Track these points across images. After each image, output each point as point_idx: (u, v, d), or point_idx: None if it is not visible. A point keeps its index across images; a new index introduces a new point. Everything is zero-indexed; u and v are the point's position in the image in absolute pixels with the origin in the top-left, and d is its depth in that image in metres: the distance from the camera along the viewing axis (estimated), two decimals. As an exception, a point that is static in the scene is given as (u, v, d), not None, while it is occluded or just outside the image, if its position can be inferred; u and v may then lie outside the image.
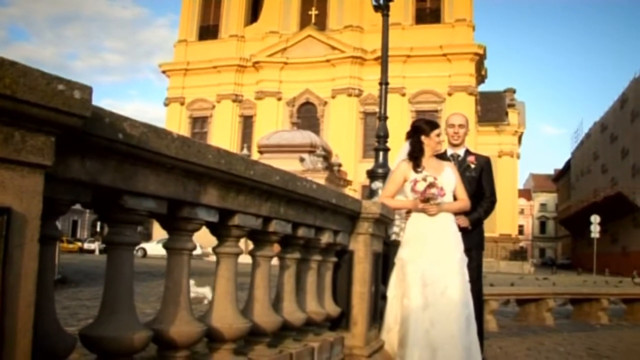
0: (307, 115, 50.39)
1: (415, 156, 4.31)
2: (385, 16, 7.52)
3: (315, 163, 38.50)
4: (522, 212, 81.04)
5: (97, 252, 40.48)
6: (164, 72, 54.75)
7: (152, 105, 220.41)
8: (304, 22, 51.32)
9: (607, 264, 40.66)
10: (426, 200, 4.12)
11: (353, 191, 39.17)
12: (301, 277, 3.36)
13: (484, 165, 4.85)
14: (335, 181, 39.21)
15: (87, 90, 1.51)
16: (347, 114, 47.97)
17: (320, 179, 36.43)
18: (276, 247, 3.04)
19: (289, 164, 36.54)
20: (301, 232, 3.02)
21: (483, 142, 54.66)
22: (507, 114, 60.54)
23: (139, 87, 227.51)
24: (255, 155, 40.88)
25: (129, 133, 1.77)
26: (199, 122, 53.43)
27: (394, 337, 4.21)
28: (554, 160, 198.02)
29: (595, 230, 36.47)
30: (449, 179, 4.32)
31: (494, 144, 57.76)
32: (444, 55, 46.59)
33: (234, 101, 51.94)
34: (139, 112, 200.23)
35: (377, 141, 7.31)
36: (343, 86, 48.34)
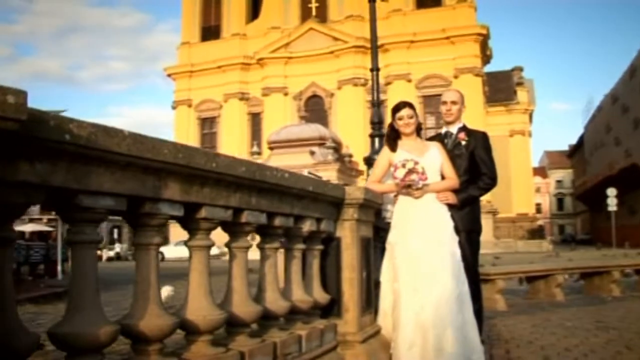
0: (314, 108, 50.43)
1: (387, 138, 4.37)
2: (372, 2, 7.52)
3: (326, 155, 38.50)
4: (538, 190, 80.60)
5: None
6: (169, 75, 55.05)
7: (161, 109, 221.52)
8: (305, 15, 51.30)
9: (627, 237, 40.34)
10: (407, 186, 4.14)
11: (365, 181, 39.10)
12: (285, 266, 3.40)
13: (479, 141, 4.74)
14: (346, 172, 39.23)
15: (22, 95, 1.55)
16: (354, 104, 47.94)
17: (332, 171, 36.47)
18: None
19: (299, 158, 36.64)
20: (278, 221, 3.04)
21: (493, 122, 54.40)
22: (516, 92, 60.21)
23: (146, 92, 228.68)
24: (265, 152, 41.03)
25: (77, 134, 1.81)
26: (208, 123, 53.71)
27: (390, 322, 4.23)
28: (567, 136, 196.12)
29: (612, 203, 36.13)
30: (433, 160, 4.32)
31: (505, 124, 57.50)
32: (447, 38, 46.37)
33: (240, 99, 52.12)
34: (149, 117, 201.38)
35: (372, 127, 7.32)
36: (348, 77, 48.34)
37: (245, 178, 2.60)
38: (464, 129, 4.74)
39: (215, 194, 2.49)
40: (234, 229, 2.78)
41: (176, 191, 2.27)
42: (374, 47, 7.43)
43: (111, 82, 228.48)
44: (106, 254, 42.86)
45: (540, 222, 66.68)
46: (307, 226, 3.40)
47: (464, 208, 4.50)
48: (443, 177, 4.39)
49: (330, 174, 34.87)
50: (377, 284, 4.36)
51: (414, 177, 4.09)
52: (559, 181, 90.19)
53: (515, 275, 9.63)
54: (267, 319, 3.04)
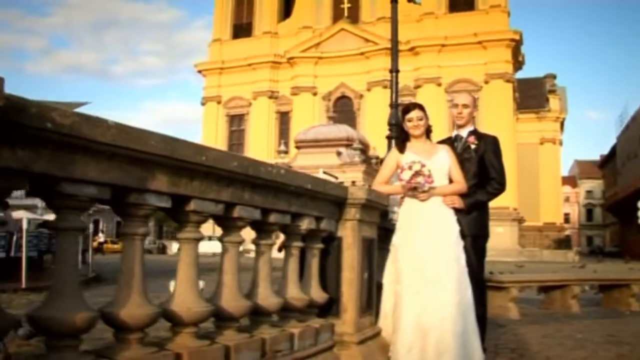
0: (343, 109, 50.42)
1: (397, 139, 4.35)
2: (394, 2, 7.49)
3: (353, 156, 38.34)
4: (567, 199, 79.40)
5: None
6: (199, 71, 55.56)
7: (191, 105, 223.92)
8: (337, 15, 51.33)
9: (657, 251, 39.40)
10: (413, 189, 4.10)
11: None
12: (283, 263, 3.40)
13: (489, 146, 4.66)
14: (373, 174, 38.98)
15: (-1, 80, 1.58)
16: (383, 106, 47.52)
17: (358, 172, 36.34)
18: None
19: (326, 158, 36.58)
20: (273, 218, 3.04)
21: (523, 129, 53.78)
22: (547, 100, 59.41)
23: (177, 88, 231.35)
24: (292, 151, 41.11)
25: (59, 122, 1.83)
26: (236, 120, 54.09)
27: (390, 324, 4.20)
28: (599, 145, 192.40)
29: (642, 216, 35.34)
30: (441, 163, 4.27)
31: (535, 131, 56.79)
32: (479, 42, 45.92)
33: (269, 98, 52.37)
34: (180, 112, 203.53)
35: (389, 129, 7.29)
36: (378, 78, 48.12)
37: (237, 173, 2.61)
38: (474, 132, 4.68)
39: (205, 187, 2.50)
40: (227, 223, 2.79)
41: (164, 183, 2.29)
42: (395, 48, 7.41)
43: (144, 77, 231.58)
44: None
45: (567, 232, 65.63)
46: (305, 224, 3.40)
47: (471, 213, 4.44)
48: (451, 181, 4.35)
49: (356, 175, 34.77)
50: (380, 286, 4.33)
51: (420, 179, 4.05)
52: (589, 191, 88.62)
53: (529, 284, 9.48)
54: (258, 315, 3.04)
